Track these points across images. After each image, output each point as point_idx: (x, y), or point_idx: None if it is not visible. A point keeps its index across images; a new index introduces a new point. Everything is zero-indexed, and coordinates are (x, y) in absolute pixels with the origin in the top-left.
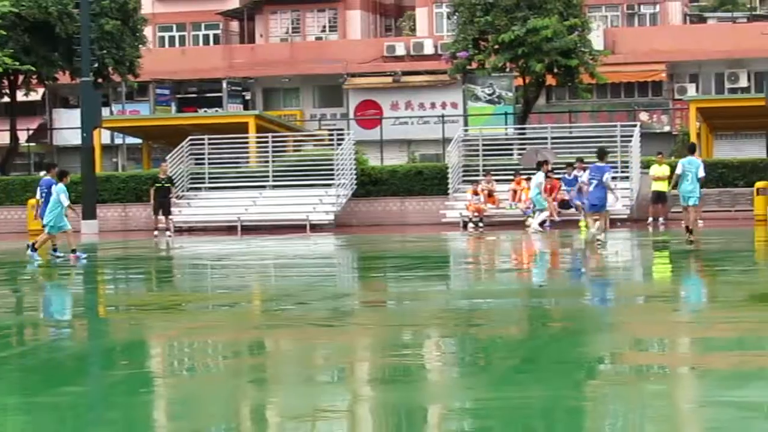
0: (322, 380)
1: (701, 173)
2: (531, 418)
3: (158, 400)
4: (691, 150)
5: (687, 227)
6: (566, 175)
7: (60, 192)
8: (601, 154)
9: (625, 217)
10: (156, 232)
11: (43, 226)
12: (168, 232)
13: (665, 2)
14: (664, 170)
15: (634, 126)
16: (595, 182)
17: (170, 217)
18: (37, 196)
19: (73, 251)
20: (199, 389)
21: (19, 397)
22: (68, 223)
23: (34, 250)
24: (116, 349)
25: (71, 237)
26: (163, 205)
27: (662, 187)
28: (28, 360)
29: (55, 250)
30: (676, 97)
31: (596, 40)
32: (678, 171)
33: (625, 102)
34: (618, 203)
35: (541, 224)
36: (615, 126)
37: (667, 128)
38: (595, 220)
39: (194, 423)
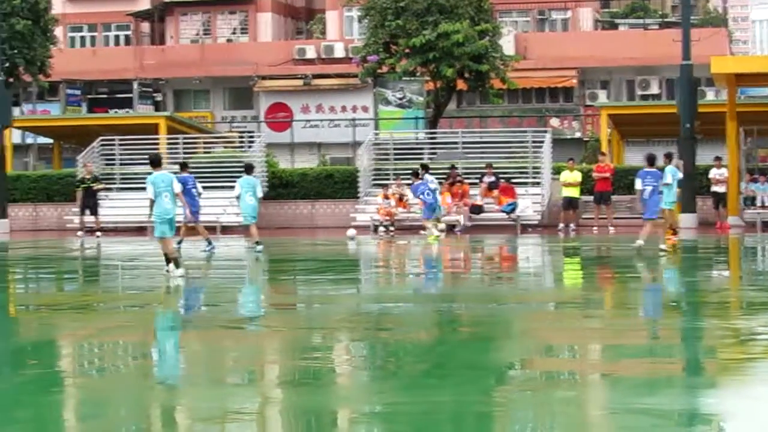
0: (231, 382)
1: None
2: (440, 423)
3: (68, 400)
4: (651, 161)
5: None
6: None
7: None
8: (651, 159)
9: (536, 223)
10: (80, 233)
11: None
12: (98, 233)
13: (576, 8)
14: (575, 176)
15: (545, 132)
16: (650, 188)
17: (98, 217)
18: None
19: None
20: (109, 390)
21: None
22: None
23: (209, 243)
24: (27, 348)
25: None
26: (90, 205)
27: (573, 193)
28: None
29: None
30: (587, 103)
31: (507, 45)
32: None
33: (536, 108)
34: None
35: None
36: (526, 132)
37: (578, 134)
38: (656, 226)
39: (104, 424)
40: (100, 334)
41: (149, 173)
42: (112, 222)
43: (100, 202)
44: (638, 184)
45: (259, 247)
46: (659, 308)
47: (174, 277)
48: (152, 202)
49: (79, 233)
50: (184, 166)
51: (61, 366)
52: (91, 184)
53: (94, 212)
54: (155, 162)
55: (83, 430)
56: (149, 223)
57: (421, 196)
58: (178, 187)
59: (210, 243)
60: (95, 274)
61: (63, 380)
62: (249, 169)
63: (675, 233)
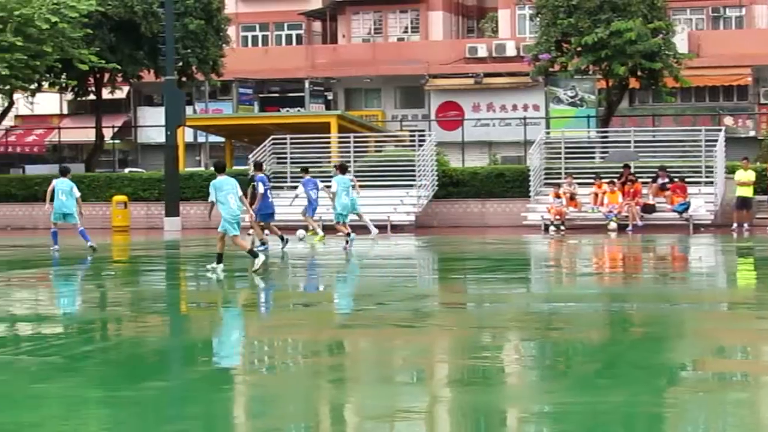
0: (400, 381)
1: None
2: (611, 423)
3: (238, 397)
4: None
5: None
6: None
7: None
8: None
9: (709, 222)
10: (251, 231)
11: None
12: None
13: (752, 5)
14: (749, 175)
15: (719, 130)
16: None
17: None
18: (260, 189)
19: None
20: (278, 388)
21: (102, 391)
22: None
23: (263, 244)
24: (198, 345)
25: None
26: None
27: (747, 192)
28: (111, 354)
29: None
30: (762, 101)
31: (680, 43)
32: None
33: (709, 106)
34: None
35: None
36: (699, 130)
37: (752, 133)
38: None
39: (273, 421)
40: (269, 331)
41: (322, 172)
42: (284, 220)
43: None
44: None
45: (351, 244)
46: None
47: (213, 271)
48: (212, 204)
49: (250, 231)
50: (258, 166)
51: (231, 363)
52: None
53: None
54: (219, 168)
55: (252, 427)
56: (319, 221)
57: (311, 192)
58: (260, 187)
59: (264, 244)
60: (265, 271)
61: (233, 377)
62: (343, 169)
63: None
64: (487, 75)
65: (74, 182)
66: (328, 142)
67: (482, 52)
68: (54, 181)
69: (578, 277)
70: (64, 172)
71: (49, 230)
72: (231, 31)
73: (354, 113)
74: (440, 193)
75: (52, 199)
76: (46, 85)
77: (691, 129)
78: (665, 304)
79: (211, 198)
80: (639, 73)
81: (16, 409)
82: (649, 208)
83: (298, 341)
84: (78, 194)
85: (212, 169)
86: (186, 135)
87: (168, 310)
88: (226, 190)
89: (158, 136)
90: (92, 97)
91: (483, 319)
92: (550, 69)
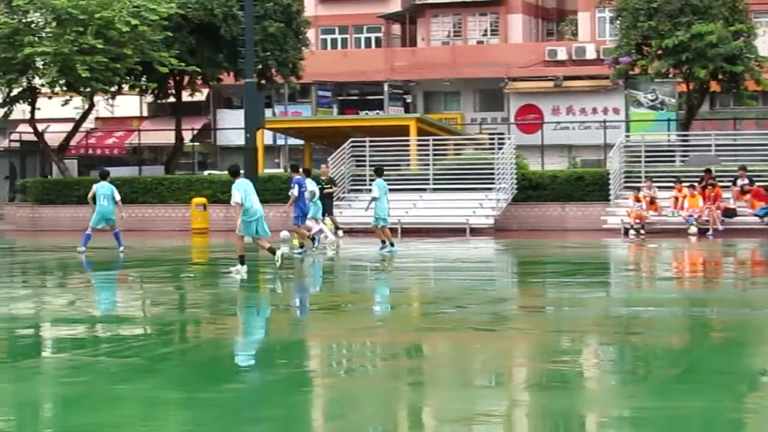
0: (479, 384)
1: None
2: (691, 428)
3: (316, 399)
4: None
5: None
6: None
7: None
8: None
9: None
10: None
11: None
12: (339, 232)
13: None
14: None
15: None
16: None
17: (332, 217)
18: (294, 192)
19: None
20: (357, 390)
21: (182, 392)
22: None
23: (302, 246)
24: (276, 348)
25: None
26: (326, 207)
27: None
28: (190, 356)
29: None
30: None
31: (762, 45)
32: None
33: None
34: None
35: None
36: None
37: None
38: None
39: (351, 424)
40: (348, 334)
41: (401, 175)
42: (362, 223)
43: (350, 203)
44: None
45: (394, 249)
46: None
47: (237, 274)
48: (241, 206)
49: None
50: (295, 169)
51: (309, 366)
52: (325, 186)
53: (330, 213)
54: (234, 172)
55: (331, 429)
56: (398, 224)
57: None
58: (294, 190)
59: (302, 246)
60: (333, 274)
61: (311, 380)
62: (380, 172)
63: None
64: (567, 78)
65: (153, 184)
66: (407, 145)
67: (562, 55)
68: (95, 186)
69: (658, 282)
70: (103, 176)
71: (113, 233)
72: (310, 33)
73: (433, 116)
74: (519, 197)
75: (95, 202)
76: (126, 87)
77: None
78: (746, 309)
79: (238, 200)
80: (720, 77)
81: (97, 410)
82: (730, 213)
83: (377, 344)
84: (118, 197)
85: (287, 170)
86: (265, 137)
87: (246, 312)
88: (247, 191)
89: (237, 139)
90: (172, 99)
91: (562, 322)
92: (631, 72)
